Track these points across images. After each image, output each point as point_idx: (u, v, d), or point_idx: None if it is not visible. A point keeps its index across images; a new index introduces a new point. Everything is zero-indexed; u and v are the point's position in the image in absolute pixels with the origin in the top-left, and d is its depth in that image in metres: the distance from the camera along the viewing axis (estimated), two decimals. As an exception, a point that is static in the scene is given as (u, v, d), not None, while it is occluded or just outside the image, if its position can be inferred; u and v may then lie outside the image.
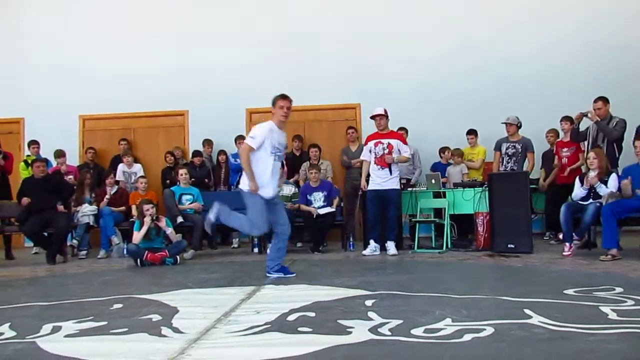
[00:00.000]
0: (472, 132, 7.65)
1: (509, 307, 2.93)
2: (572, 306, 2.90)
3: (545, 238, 7.15)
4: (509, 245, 5.84)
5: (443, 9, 8.64)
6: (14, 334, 2.67)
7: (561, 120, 6.96)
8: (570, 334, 2.33)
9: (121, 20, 9.05)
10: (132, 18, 9.06)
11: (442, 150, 7.91)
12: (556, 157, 6.86)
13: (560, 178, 6.76)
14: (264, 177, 4.49)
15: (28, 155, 7.97)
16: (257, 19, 8.89)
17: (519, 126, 6.88)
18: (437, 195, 6.78)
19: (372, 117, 6.31)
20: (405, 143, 6.33)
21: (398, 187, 6.26)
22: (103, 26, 9.05)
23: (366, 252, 6.09)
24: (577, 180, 5.69)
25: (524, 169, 6.76)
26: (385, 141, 6.15)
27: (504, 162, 6.89)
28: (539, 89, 8.22)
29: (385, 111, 6.26)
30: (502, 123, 6.95)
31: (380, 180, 6.11)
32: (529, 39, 8.44)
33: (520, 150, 6.83)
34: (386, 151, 6.10)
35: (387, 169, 6.10)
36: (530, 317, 2.65)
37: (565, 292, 3.32)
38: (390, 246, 6.07)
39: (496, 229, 6.02)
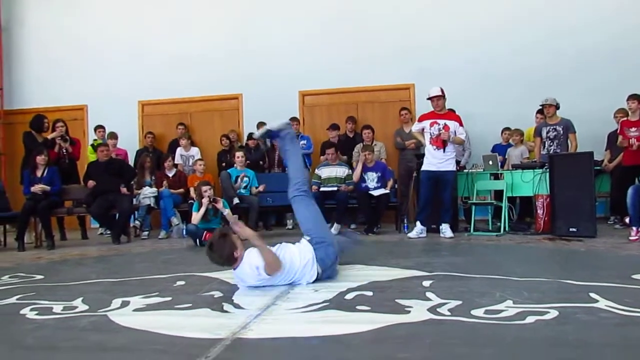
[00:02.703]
0: (542, 111, 7.05)
1: (573, 291, 2.83)
2: (643, 291, 2.78)
3: (609, 222, 6.86)
4: (570, 229, 5.64)
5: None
6: (86, 307, 2.81)
7: (628, 99, 6.60)
8: (641, 319, 2.23)
9: (176, 7, 9.25)
10: (187, 4, 9.23)
11: (503, 131, 7.69)
12: (620, 136, 6.52)
13: (627, 159, 6.43)
14: None
15: (95, 140, 8.32)
16: (308, 0, 8.87)
17: (557, 107, 6.56)
18: (495, 177, 6.63)
19: (429, 99, 6.18)
20: (462, 125, 6.17)
21: (454, 168, 6.12)
22: (159, 13, 9.28)
23: (412, 234, 6.03)
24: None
25: (569, 150, 6.46)
26: (441, 122, 6.01)
27: (546, 146, 6.59)
28: (608, 60, 7.75)
29: (442, 91, 6.10)
30: (540, 105, 6.66)
31: (436, 161, 5.99)
32: (594, 2, 7.95)
33: (562, 132, 6.51)
34: (442, 132, 5.97)
35: (441, 150, 5.96)
36: (596, 301, 2.56)
37: (634, 277, 3.17)
38: (446, 228, 5.98)
39: (557, 212, 5.82)
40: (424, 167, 6.12)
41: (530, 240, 5.52)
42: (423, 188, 6.17)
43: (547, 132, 6.58)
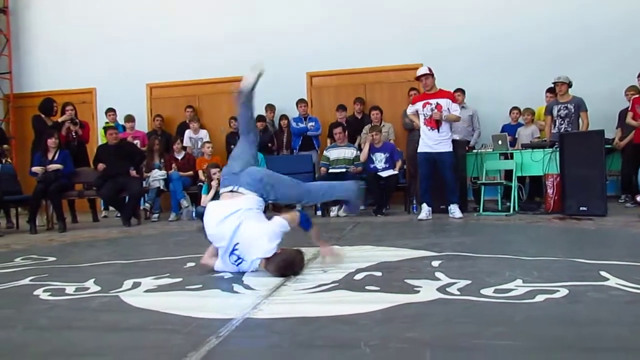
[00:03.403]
0: (552, 90, 6.99)
1: (584, 269, 2.82)
2: (654, 269, 2.76)
3: (620, 201, 6.83)
4: (581, 208, 5.61)
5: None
6: (98, 288, 2.84)
7: (639, 76, 6.50)
8: (652, 297, 2.22)
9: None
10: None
11: (511, 110, 7.62)
12: (629, 114, 6.43)
13: (638, 137, 6.37)
14: None
15: (107, 122, 8.34)
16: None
17: (570, 85, 6.46)
18: (504, 157, 6.58)
19: (417, 78, 6.09)
20: (455, 102, 6.06)
21: (450, 149, 5.97)
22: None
23: (421, 216, 5.97)
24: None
25: (580, 129, 6.39)
26: (433, 101, 5.91)
27: (557, 124, 6.51)
28: (619, 38, 7.60)
29: (430, 70, 5.99)
30: (552, 83, 6.57)
31: (432, 142, 5.92)
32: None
33: (573, 110, 6.42)
34: (435, 111, 5.87)
35: (436, 131, 5.88)
36: (607, 279, 2.55)
37: (645, 255, 3.16)
38: (454, 209, 5.95)
39: (567, 191, 5.78)
40: (419, 149, 6.05)
41: (540, 220, 5.50)
42: (421, 169, 6.11)
43: (558, 111, 6.51)
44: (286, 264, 2.90)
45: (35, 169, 6.42)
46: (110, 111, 8.43)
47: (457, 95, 7.60)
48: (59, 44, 9.58)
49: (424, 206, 6.04)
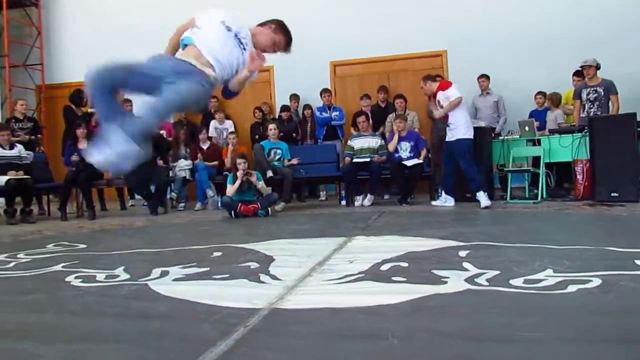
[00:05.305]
0: (579, 74, 6.86)
1: (617, 258, 2.75)
2: (690, 259, 2.68)
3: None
4: (612, 194, 5.50)
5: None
6: (128, 276, 2.89)
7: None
8: (689, 287, 2.16)
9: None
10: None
11: (536, 95, 7.47)
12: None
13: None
14: None
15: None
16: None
17: (598, 68, 6.28)
18: (531, 143, 6.46)
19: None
20: (446, 88, 5.99)
21: (460, 136, 5.90)
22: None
23: (435, 202, 6.12)
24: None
25: (610, 112, 6.22)
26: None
27: (586, 108, 6.36)
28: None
29: (424, 79, 6.25)
30: (580, 67, 6.47)
31: (448, 132, 6.06)
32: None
33: (602, 94, 6.27)
34: (438, 107, 6.08)
35: (448, 121, 6.01)
36: (641, 268, 2.49)
37: (681, 243, 3.07)
38: (480, 196, 5.82)
39: (598, 177, 5.66)
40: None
41: (570, 207, 5.40)
42: (443, 158, 6.26)
43: (587, 94, 6.36)
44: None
45: (73, 158, 6.57)
46: (127, 102, 8.50)
47: (481, 81, 7.51)
48: (88, 36, 9.69)
49: (442, 193, 6.16)
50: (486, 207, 5.70)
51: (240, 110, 8.94)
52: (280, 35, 3.06)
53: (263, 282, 2.65)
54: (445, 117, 5.99)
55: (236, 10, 8.96)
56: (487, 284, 2.37)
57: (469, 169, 5.89)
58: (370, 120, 7.34)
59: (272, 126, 7.18)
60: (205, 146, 7.61)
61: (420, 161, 6.69)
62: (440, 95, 6.00)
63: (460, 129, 5.90)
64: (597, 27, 7.53)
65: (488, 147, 6.51)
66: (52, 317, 2.17)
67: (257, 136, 8.01)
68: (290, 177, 6.80)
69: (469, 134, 5.92)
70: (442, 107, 5.99)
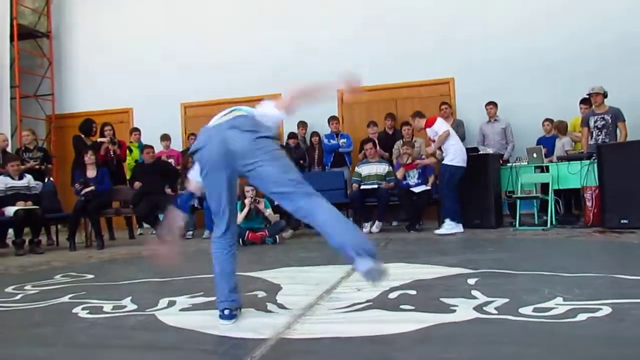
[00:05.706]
0: (586, 101, 6.85)
1: (627, 286, 2.72)
2: (702, 286, 2.65)
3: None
4: (622, 221, 5.44)
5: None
6: (135, 307, 2.89)
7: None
8: (702, 316, 2.12)
9: (216, 10, 9.38)
10: (228, 6, 9.35)
11: (544, 122, 7.47)
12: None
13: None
14: None
15: (131, 142, 8.55)
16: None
17: (605, 95, 6.31)
18: (539, 169, 6.45)
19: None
20: (432, 125, 6.18)
21: (443, 162, 6.14)
22: (198, 17, 9.44)
23: (437, 230, 6.08)
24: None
25: (618, 139, 6.22)
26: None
27: (594, 136, 6.35)
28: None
29: (412, 116, 6.60)
30: (587, 94, 6.48)
31: None
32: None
33: (610, 121, 6.27)
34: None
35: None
36: (652, 297, 2.46)
37: (693, 271, 3.03)
38: (445, 223, 6.02)
39: (607, 204, 5.62)
40: None
41: (579, 234, 5.35)
42: (439, 184, 6.52)
43: (595, 122, 6.36)
44: None
45: (76, 185, 6.62)
46: (135, 131, 8.62)
47: (489, 109, 7.54)
48: (97, 67, 9.89)
49: (446, 221, 6.09)
50: (441, 235, 5.87)
51: (249, 138, 9.00)
52: None
53: (270, 311, 2.64)
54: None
55: (246, 42, 9.03)
56: (496, 312, 2.35)
57: (446, 194, 6.08)
58: (378, 147, 7.37)
59: (280, 153, 7.22)
60: (213, 174, 7.64)
61: (428, 188, 6.68)
62: (429, 132, 6.24)
63: (448, 156, 6.09)
64: (604, 54, 7.55)
65: (496, 174, 6.50)
66: (60, 351, 2.17)
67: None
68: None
69: (456, 162, 6.04)
70: (434, 141, 6.23)
